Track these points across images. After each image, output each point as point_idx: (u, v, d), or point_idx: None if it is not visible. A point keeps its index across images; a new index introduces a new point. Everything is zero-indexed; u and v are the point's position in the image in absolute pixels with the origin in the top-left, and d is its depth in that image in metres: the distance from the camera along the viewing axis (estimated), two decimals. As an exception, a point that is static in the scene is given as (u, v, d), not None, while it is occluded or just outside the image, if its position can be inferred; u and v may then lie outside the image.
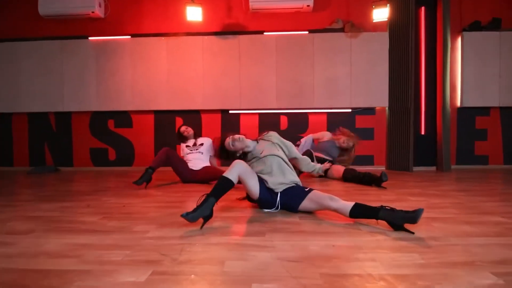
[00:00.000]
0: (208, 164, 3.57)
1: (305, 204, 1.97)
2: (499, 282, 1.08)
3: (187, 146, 3.70)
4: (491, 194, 2.64)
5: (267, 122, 4.58)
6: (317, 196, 1.93)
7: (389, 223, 1.65)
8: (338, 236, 1.57)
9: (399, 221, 1.61)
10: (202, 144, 3.68)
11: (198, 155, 3.58)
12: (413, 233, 1.59)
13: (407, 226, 1.62)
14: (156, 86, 4.56)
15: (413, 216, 1.57)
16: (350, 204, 1.78)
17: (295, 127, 4.53)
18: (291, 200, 2.03)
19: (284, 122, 4.54)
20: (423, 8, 4.34)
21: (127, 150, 4.74)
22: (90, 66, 4.61)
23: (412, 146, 4.26)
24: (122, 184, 3.39)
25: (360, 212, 1.75)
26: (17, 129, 4.85)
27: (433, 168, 4.49)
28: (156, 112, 4.69)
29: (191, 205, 2.29)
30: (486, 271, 1.17)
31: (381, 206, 1.69)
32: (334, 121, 4.53)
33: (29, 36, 4.69)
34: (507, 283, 1.08)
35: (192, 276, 1.14)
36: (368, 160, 4.54)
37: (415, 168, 4.37)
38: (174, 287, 1.07)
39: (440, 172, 4.27)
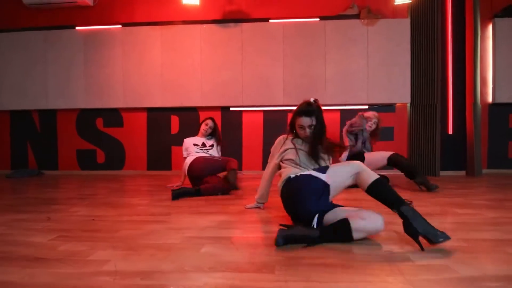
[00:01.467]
0: None
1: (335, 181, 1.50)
2: None
3: (195, 144, 3.12)
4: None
5: (273, 121, 4.09)
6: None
7: (405, 223, 1.26)
8: (390, 273, 1.06)
9: (419, 228, 1.21)
10: (212, 146, 3.15)
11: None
12: (423, 249, 1.22)
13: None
14: (150, 81, 4.09)
15: (437, 235, 1.19)
16: (375, 176, 1.38)
17: (305, 126, 4.03)
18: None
19: (292, 121, 4.04)
20: (450, -10, 3.85)
21: (117, 152, 4.27)
22: (77, 58, 4.16)
23: (439, 147, 3.74)
24: (105, 190, 2.90)
25: (381, 190, 1.37)
26: (-2, 128, 4.42)
27: (462, 172, 3.94)
28: (150, 110, 4.22)
29: (176, 220, 1.79)
30: None
31: (410, 202, 1.31)
32: (348, 119, 4.01)
33: (10, 26, 4.27)
34: None
35: None
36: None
37: (441, 173, 3.83)
38: None
39: (471, 177, 3.72)
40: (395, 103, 4.00)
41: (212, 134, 3.19)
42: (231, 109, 4.14)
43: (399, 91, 3.90)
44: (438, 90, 3.74)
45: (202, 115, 4.17)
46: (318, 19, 3.93)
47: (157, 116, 4.22)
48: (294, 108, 1.78)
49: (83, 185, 3.30)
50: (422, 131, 3.87)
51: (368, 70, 3.90)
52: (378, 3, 3.91)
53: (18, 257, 1.23)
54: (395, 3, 3.50)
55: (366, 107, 3.99)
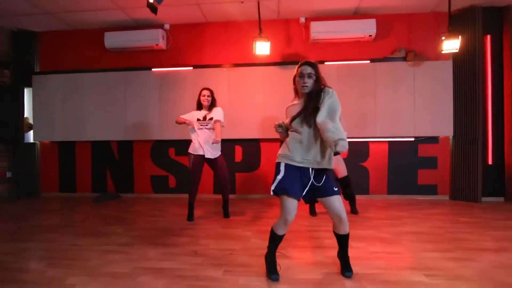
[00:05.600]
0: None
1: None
2: None
3: (197, 119, 3.30)
4: None
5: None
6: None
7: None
8: None
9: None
10: (212, 119, 3.26)
11: (207, 133, 3.26)
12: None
13: None
14: (217, 116, 4.64)
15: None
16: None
17: (355, 155, 4.51)
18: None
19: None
20: (488, 36, 4.27)
21: (187, 177, 4.82)
22: (153, 96, 4.76)
23: (480, 176, 4.16)
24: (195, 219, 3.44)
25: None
26: (81, 156, 5.04)
27: (501, 198, 4.34)
28: (216, 141, 4.76)
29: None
30: None
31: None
32: (396, 150, 4.49)
33: (94, 67, 4.89)
34: None
35: None
36: (431, 189, 4.45)
37: (483, 199, 4.24)
38: None
39: (511, 203, 4.13)
40: (439, 136, 4.44)
41: (212, 104, 3.31)
42: (289, 140, 4.64)
43: (442, 124, 4.34)
44: (480, 124, 4.15)
45: (263, 145, 4.70)
46: (368, 62, 4.42)
47: (223, 147, 4.73)
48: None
49: (160, 205, 3.85)
50: (464, 161, 4.29)
51: (414, 106, 4.36)
52: (423, 47, 4.38)
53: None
54: (442, 52, 3.93)
55: (412, 139, 4.45)
